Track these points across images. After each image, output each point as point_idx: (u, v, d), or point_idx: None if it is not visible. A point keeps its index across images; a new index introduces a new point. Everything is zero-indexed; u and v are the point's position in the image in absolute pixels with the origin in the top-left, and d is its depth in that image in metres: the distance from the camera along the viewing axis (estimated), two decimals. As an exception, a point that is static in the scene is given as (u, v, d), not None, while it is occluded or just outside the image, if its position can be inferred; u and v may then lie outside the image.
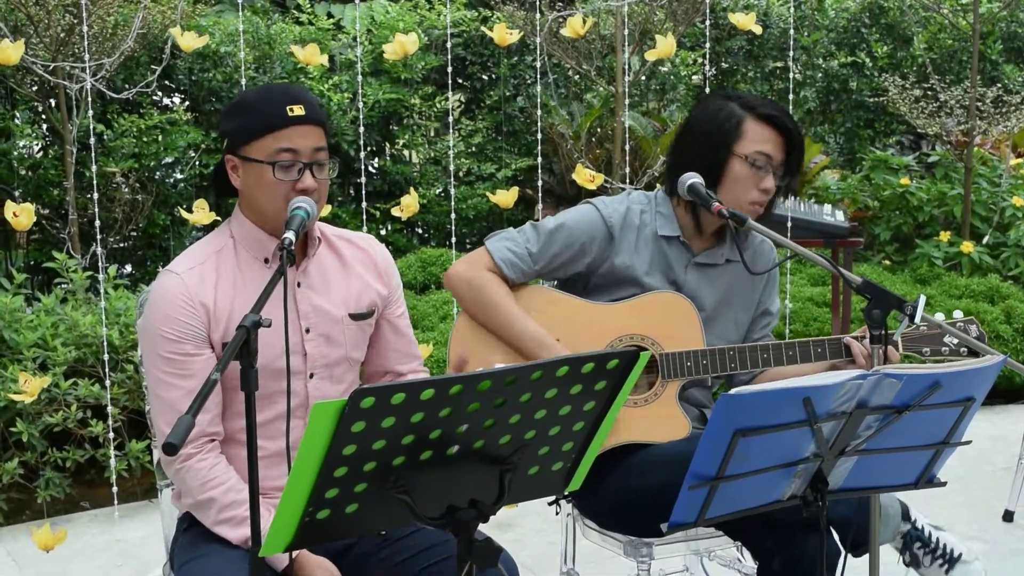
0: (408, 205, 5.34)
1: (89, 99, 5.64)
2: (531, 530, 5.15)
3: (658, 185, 3.56)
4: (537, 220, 3.43)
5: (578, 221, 3.39)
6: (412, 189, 5.39)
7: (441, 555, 2.87)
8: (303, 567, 2.78)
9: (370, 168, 8.95)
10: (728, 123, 3.34)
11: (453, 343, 3.40)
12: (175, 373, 2.81)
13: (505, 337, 3.33)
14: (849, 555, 3.08)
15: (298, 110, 2.81)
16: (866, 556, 3.03)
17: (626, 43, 6.68)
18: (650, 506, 3.15)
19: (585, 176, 5.45)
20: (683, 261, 3.43)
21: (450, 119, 6.31)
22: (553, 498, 3.45)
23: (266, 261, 2.91)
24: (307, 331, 2.93)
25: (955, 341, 3.26)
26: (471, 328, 3.39)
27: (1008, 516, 5.18)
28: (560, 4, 8.22)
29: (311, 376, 2.94)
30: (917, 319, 2.98)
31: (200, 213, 5.13)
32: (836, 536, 3.17)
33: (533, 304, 3.36)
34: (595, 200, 3.45)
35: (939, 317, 3.25)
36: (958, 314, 3.30)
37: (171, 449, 2.08)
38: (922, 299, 2.98)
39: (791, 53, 7.99)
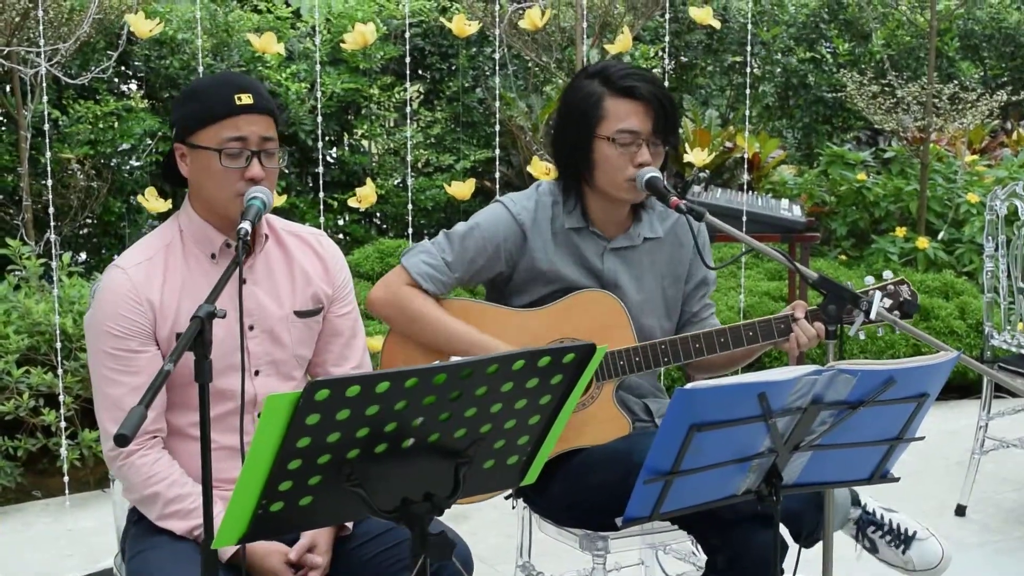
0: (366, 196, 5.32)
1: (44, 84, 5.57)
2: (487, 522, 5.15)
3: None
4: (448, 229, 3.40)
5: (489, 223, 3.33)
6: (369, 179, 5.37)
7: (397, 539, 2.87)
8: (254, 553, 2.76)
9: (328, 158, 8.91)
10: (587, 105, 3.25)
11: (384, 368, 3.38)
12: (120, 370, 2.80)
13: (438, 345, 3.29)
14: (801, 548, 3.10)
15: (246, 99, 2.80)
16: (818, 548, 3.04)
17: (585, 35, 6.67)
18: (595, 505, 3.16)
19: (541, 168, 5.44)
20: (597, 250, 3.36)
21: (408, 110, 6.29)
22: (509, 492, 3.45)
23: (213, 257, 2.89)
24: (251, 328, 2.90)
25: (886, 304, 3.21)
26: (399, 352, 3.37)
27: (961, 511, 5.22)
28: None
29: (256, 373, 2.92)
30: (872, 315, 2.99)
31: (154, 200, 5.10)
32: (786, 529, 3.17)
33: (459, 318, 3.32)
34: (504, 199, 3.39)
35: (869, 280, 3.23)
36: (888, 275, 3.27)
37: (123, 440, 2.07)
38: (877, 295, 2.99)
39: (750, 48, 8.01)
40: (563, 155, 3.35)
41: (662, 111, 3.24)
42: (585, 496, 3.25)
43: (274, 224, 3.02)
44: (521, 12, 5.78)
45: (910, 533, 3.46)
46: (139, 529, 2.89)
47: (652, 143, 3.25)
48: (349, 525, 2.91)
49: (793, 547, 3.08)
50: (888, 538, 3.46)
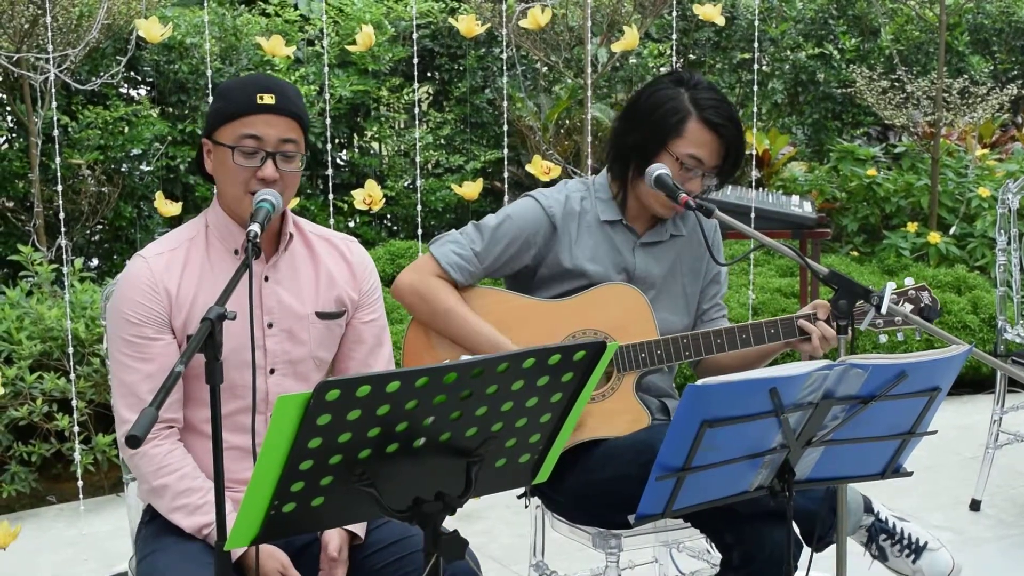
0: (374, 196, 5.31)
1: (53, 90, 5.58)
2: (500, 522, 5.15)
3: (603, 171, 3.52)
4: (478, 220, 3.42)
5: (520, 215, 3.36)
6: (369, 181, 5.36)
7: (409, 549, 2.86)
8: (251, 555, 2.76)
9: (338, 160, 8.92)
10: (672, 116, 3.29)
11: (406, 358, 3.39)
12: (134, 356, 2.82)
13: (460, 342, 3.31)
14: (813, 551, 3.09)
15: (268, 99, 2.82)
16: (831, 551, 3.03)
17: (590, 35, 6.68)
18: (613, 497, 3.16)
19: (541, 168, 5.43)
20: (629, 244, 3.41)
21: (417, 111, 6.29)
22: (522, 491, 3.44)
23: (236, 252, 2.91)
24: (269, 326, 2.91)
25: (907, 309, 3.23)
26: (422, 339, 3.38)
27: (975, 505, 5.21)
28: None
29: (272, 372, 2.92)
30: (883, 309, 2.98)
31: (163, 203, 5.11)
32: (798, 530, 3.17)
33: (483, 306, 3.34)
34: (535, 192, 3.43)
35: (890, 286, 3.23)
36: (909, 281, 3.28)
37: (134, 442, 2.07)
38: (889, 288, 2.98)
39: (757, 45, 8.00)
40: (624, 148, 3.38)
41: (731, 156, 3.31)
42: (602, 488, 3.24)
43: (302, 226, 3.04)
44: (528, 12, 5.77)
45: (921, 543, 3.45)
46: (150, 530, 2.89)
47: (707, 175, 3.31)
48: (361, 534, 2.90)
49: (806, 548, 3.07)
50: (899, 547, 3.45)
